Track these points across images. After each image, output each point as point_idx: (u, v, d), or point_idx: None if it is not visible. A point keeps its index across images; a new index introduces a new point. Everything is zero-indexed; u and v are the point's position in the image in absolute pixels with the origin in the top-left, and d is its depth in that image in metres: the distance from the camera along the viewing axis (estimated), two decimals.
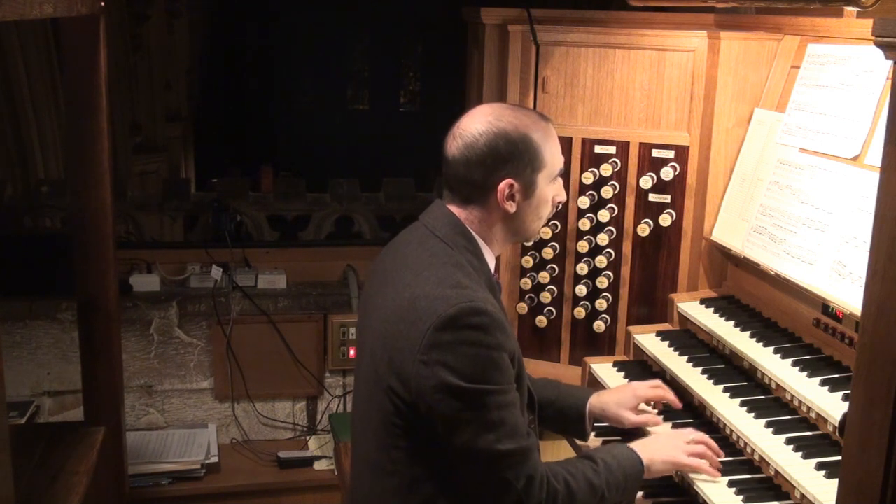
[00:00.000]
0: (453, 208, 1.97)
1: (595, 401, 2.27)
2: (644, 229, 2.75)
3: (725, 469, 2.06)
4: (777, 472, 1.95)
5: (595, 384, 2.63)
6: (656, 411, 2.31)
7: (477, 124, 1.91)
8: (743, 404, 2.18)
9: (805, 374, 2.12)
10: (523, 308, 2.94)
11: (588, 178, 2.79)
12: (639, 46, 2.71)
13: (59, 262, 3.69)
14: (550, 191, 1.99)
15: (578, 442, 2.36)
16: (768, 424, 2.07)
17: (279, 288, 4.00)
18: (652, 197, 2.75)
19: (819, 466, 1.89)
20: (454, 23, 3.82)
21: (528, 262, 2.90)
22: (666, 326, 2.72)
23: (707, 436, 2.12)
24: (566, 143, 2.75)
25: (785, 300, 2.42)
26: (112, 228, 2.93)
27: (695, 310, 2.62)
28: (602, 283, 2.81)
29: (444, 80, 12.22)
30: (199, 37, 13.32)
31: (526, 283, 2.92)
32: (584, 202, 2.80)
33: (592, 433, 2.31)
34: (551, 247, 2.87)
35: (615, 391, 2.34)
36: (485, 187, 1.92)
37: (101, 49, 2.76)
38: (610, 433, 2.32)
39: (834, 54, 2.42)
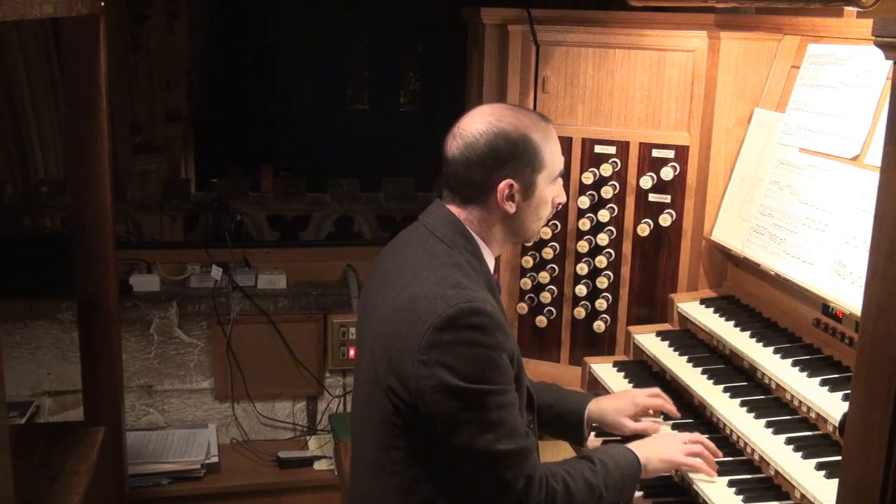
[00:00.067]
0: (453, 208, 1.97)
1: (594, 407, 2.27)
2: (644, 229, 2.75)
3: (725, 469, 2.06)
4: (777, 472, 1.95)
5: (595, 384, 2.63)
6: (660, 417, 2.31)
7: (477, 124, 1.91)
8: (743, 404, 2.18)
9: (805, 374, 2.12)
10: (523, 308, 2.94)
11: (588, 178, 2.79)
12: (639, 46, 2.71)
13: (59, 262, 3.69)
14: (550, 192, 2.00)
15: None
16: (768, 424, 2.07)
17: (279, 288, 4.00)
18: (652, 197, 2.75)
19: (819, 466, 1.89)
20: (454, 23, 3.82)
21: (528, 262, 2.90)
22: (666, 326, 2.72)
23: (704, 436, 2.12)
24: (566, 143, 2.75)
25: (785, 300, 2.42)
26: (112, 228, 2.93)
27: (695, 310, 2.62)
28: (602, 283, 2.81)
29: (444, 80, 12.23)
30: (199, 37, 13.32)
31: (526, 283, 2.92)
32: (584, 202, 2.80)
33: (592, 433, 2.31)
34: (551, 247, 2.87)
35: (614, 398, 2.34)
36: (485, 187, 1.92)
37: (101, 49, 2.76)
38: (609, 434, 2.32)
39: (834, 54, 2.42)
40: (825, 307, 2.23)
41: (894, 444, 1.21)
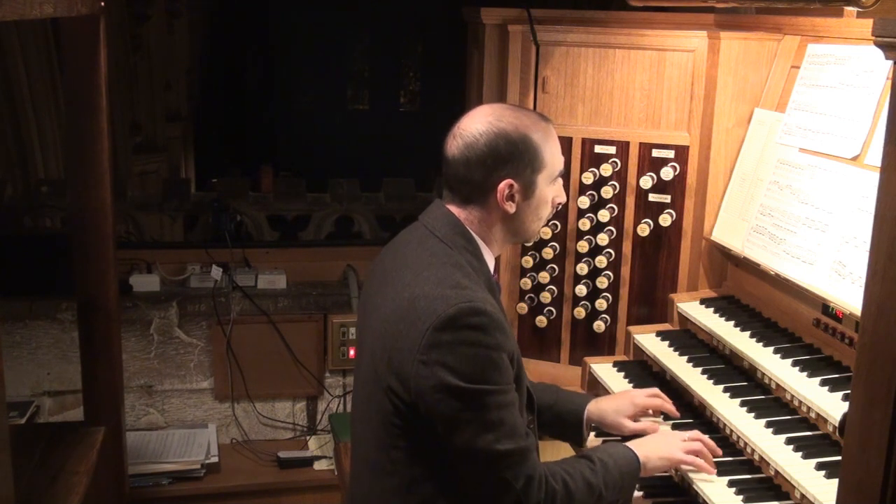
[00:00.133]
0: (453, 208, 1.97)
1: (593, 407, 2.27)
2: (644, 229, 2.75)
3: (725, 469, 2.06)
4: (777, 472, 1.95)
5: (595, 384, 2.63)
6: (660, 417, 2.31)
7: (477, 124, 1.92)
8: (743, 404, 2.18)
9: (805, 374, 2.12)
10: (523, 308, 2.94)
11: (588, 178, 2.79)
12: (639, 46, 2.71)
13: (59, 262, 3.69)
14: (550, 192, 2.00)
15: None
16: (768, 424, 2.07)
17: (279, 288, 4.00)
18: (652, 197, 2.75)
19: (819, 466, 1.89)
20: (454, 23, 3.82)
21: (528, 262, 2.90)
22: (666, 326, 2.72)
23: (703, 434, 2.12)
24: (566, 143, 2.75)
25: (785, 300, 2.42)
26: (112, 228, 2.93)
27: (695, 310, 2.62)
28: (602, 283, 2.81)
29: (444, 80, 12.23)
30: (199, 37, 13.31)
31: (526, 283, 2.92)
32: (584, 202, 2.80)
33: (592, 433, 2.31)
34: (551, 247, 2.87)
35: (613, 398, 2.34)
36: (485, 187, 1.92)
37: (101, 49, 2.76)
38: (609, 434, 2.32)
39: (834, 54, 2.42)
40: (825, 307, 2.23)
41: (894, 444, 1.21)
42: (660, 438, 2.14)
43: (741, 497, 1.95)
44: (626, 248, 2.80)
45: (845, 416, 1.35)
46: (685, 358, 2.47)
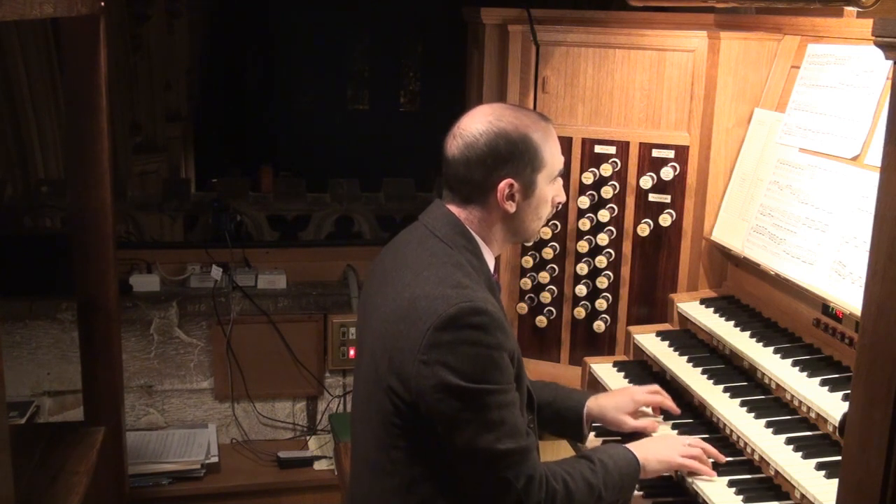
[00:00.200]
0: (453, 208, 1.97)
1: (593, 404, 2.27)
2: (644, 229, 2.75)
3: (725, 469, 2.06)
4: (777, 472, 1.95)
5: (595, 384, 2.63)
6: (659, 417, 2.31)
7: (477, 124, 1.92)
8: (743, 404, 2.18)
9: (805, 374, 2.12)
10: (523, 308, 2.94)
11: (588, 178, 2.79)
12: (639, 46, 2.71)
13: (59, 262, 3.69)
14: (550, 191, 2.00)
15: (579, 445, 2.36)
16: (768, 424, 2.07)
17: (279, 288, 4.00)
18: (652, 197, 2.75)
19: (819, 466, 1.89)
20: (454, 23, 3.82)
21: (528, 262, 2.90)
22: (666, 326, 2.72)
23: (704, 442, 2.12)
24: (566, 143, 2.75)
25: (785, 300, 2.42)
26: (112, 228, 2.93)
27: (695, 310, 2.62)
28: (602, 283, 2.81)
29: (444, 80, 12.22)
30: (199, 37, 13.31)
31: (526, 283, 2.92)
32: (584, 202, 2.80)
33: (592, 433, 2.31)
34: (551, 247, 2.87)
35: (613, 395, 2.34)
36: (485, 187, 1.92)
37: (101, 49, 2.76)
38: (609, 434, 2.32)
39: (834, 54, 2.42)
40: (825, 307, 2.23)
41: (894, 444, 1.21)
42: (660, 441, 2.14)
43: (741, 497, 1.95)
44: (626, 248, 2.80)
45: (845, 416, 1.35)
46: (685, 358, 2.47)
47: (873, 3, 1.23)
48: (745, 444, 2.08)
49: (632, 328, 2.73)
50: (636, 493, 2.10)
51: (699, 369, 2.39)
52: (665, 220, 2.72)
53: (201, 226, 6.60)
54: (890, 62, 1.22)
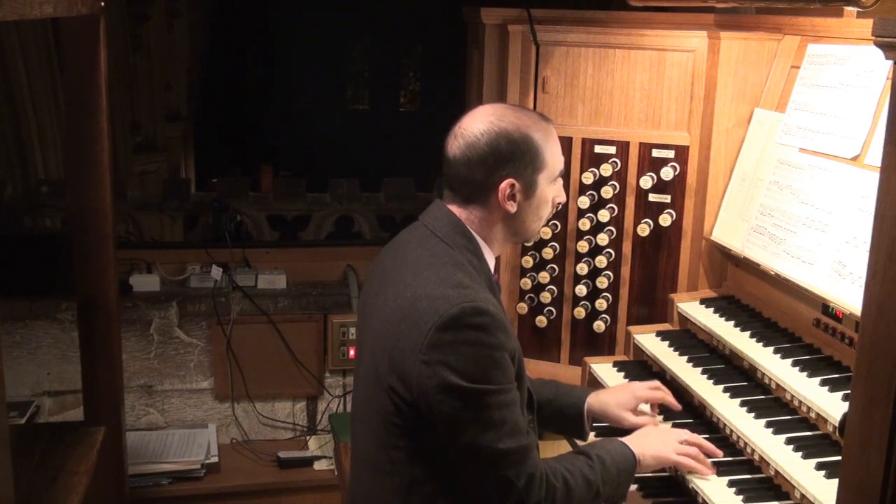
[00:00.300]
0: (454, 208, 1.97)
1: (594, 400, 2.27)
2: (644, 229, 2.75)
3: (725, 469, 2.06)
4: (777, 472, 1.95)
5: (595, 384, 2.63)
6: (658, 415, 2.31)
7: (478, 124, 1.92)
8: (743, 404, 2.18)
9: (805, 374, 2.12)
10: (523, 308, 2.94)
11: (588, 178, 2.79)
12: (639, 46, 2.71)
13: (59, 262, 3.69)
14: (551, 191, 2.00)
15: (578, 441, 2.36)
16: (768, 424, 2.07)
17: (279, 288, 4.00)
18: (652, 197, 2.75)
19: (819, 466, 1.89)
20: (454, 23, 3.82)
21: (528, 262, 2.90)
22: (666, 326, 2.72)
23: (701, 437, 2.12)
24: (566, 143, 2.75)
25: (785, 300, 2.42)
26: (112, 228, 2.93)
27: (695, 310, 2.62)
28: (602, 283, 2.81)
29: (444, 80, 12.23)
30: (199, 37, 13.31)
31: (526, 283, 2.92)
32: (584, 202, 2.80)
33: (592, 433, 2.31)
34: (551, 247, 2.87)
35: (614, 391, 2.34)
36: (486, 187, 1.92)
37: (101, 49, 2.76)
38: (609, 432, 2.32)
39: (834, 54, 2.42)
40: (825, 307, 2.23)
41: (894, 444, 1.21)
42: (656, 437, 2.14)
43: (741, 497, 1.95)
44: (626, 248, 2.80)
45: (845, 416, 1.35)
46: (685, 358, 2.47)
47: (873, 3, 1.23)
48: (745, 444, 2.08)
49: (632, 328, 2.73)
50: (636, 492, 2.10)
51: (699, 369, 2.39)
52: (665, 220, 2.72)
53: (201, 226, 6.59)
54: (890, 62, 1.22)
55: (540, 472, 1.84)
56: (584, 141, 2.81)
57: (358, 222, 7.07)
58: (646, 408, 2.31)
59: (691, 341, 2.59)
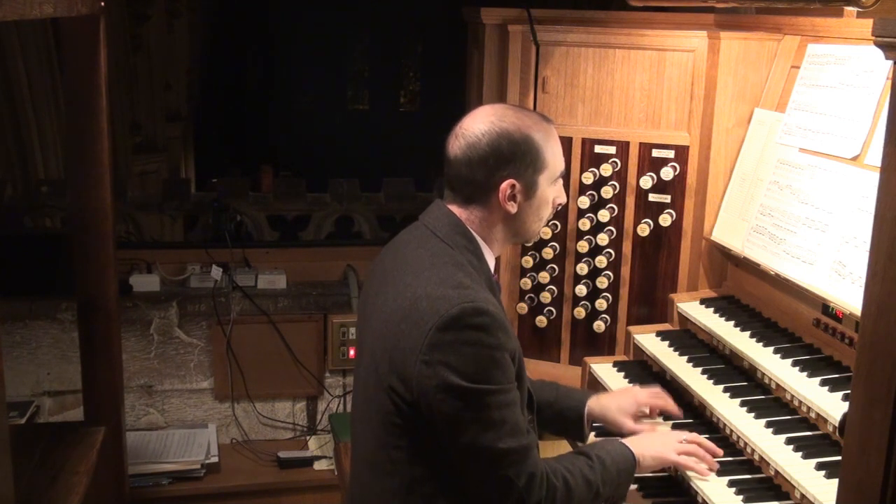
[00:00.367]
0: (454, 208, 1.97)
1: (595, 404, 2.27)
2: (644, 229, 2.75)
3: (725, 469, 2.06)
4: (777, 472, 1.95)
5: (595, 384, 2.63)
6: (659, 419, 2.31)
7: (479, 124, 1.92)
8: (743, 404, 2.18)
9: (805, 374, 2.12)
10: (523, 308, 2.94)
11: (588, 178, 2.79)
12: (639, 46, 2.71)
13: (59, 262, 3.69)
14: (551, 192, 2.00)
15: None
16: (768, 424, 2.07)
17: (279, 288, 4.00)
18: (652, 197, 2.75)
19: (819, 466, 1.89)
20: (454, 23, 3.82)
21: (528, 262, 2.90)
22: (666, 326, 2.72)
23: (701, 437, 2.12)
24: (566, 143, 2.75)
25: (785, 300, 2.42)
26: (112, 228, 2.93)
27: (695, 310, 2.62)
28: (602, 283, 2.81)
29: (444, 80, 12.21)
30: (199, 37, 13.30)
31: (526, 283, 2.92)
32: (584, 202, 2.80)
33: (592, 433, 2.31)
34: (551, 247, 2.87)
35: (616, 395, 2.34)
36: (486, 187, 1.92)
37: (101, 49, 2.76)
38: (609, 433, 2.32)
39: (834, 54, 2.42)
40: (825, 307, 2.23)
41: (894, 444, 1.20)
42: (656, 437, 2.14)
43: (741, 497, 1.95)
44: (626, 248, 2.80)
45: (845, 416, 1.35)
46: (685, 358, 2.47)
47: (873, 3, 1.23)
48: (745, 444, 2.08)
49: (632, 328, 2.73)
50: (636, 492, 2.10)
51: (699, 369, 2.39)
52: (665, 220, 2.72)
53: (201, 226, 6.59)
54: (890, 62, 1.22)
55: (540, 471, 1.84)
56: (584, 141, 2.81)
57: (358, 222, 7.07)
58: (645, 410, 2.31)
59: (691, 341, 2.59)
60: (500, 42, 2.93)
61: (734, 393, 2.24)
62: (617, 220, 2.80)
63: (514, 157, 1.90)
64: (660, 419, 2.30)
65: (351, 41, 16.20)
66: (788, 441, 1.99)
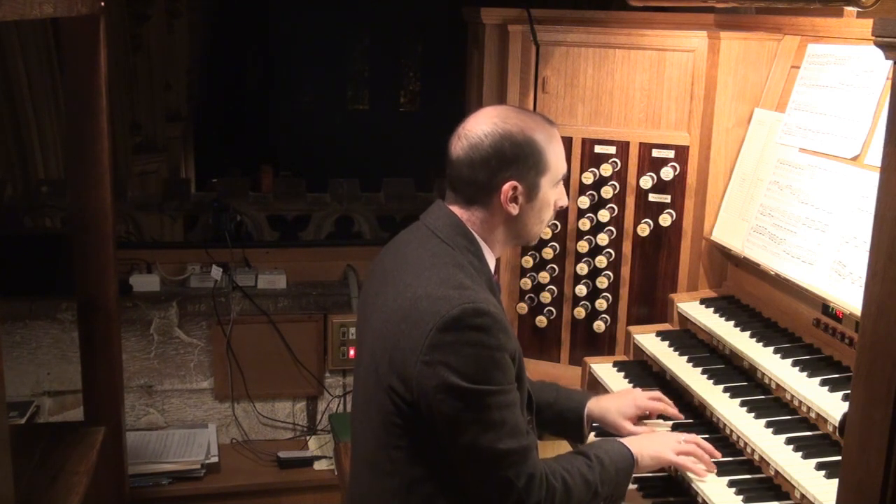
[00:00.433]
0: (455, 209, 1.97)
1: (594, 405, 2.27)
2: (644, 229, 2.75)
3: (725, 469, 2.06)
4: (777, 472, 1.95)
5: (595, 384, 2.63)
6: (659, 420, 2.31)
7: (482, 125, 1.92)
8: (743, 404, 2.18)
9: (805, 374, 2.12)
10: (523, 308, 2.94)
11: (588, 178, 2.79)
12: (639, 46, 2.71)
13: (59, 262, 3.69)
14: (553, 195, 2.00)
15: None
16: (768, 424, 2.07)
17: (279, 288, 4.00)
18: (652, 197, 2.75)
19: (819, 466, 1.89)
20: (454, 23, 3.82)
21: (528, 262, 2.90)
22: (666, 326, 2.72)
23: (700, 438, 2.12)
24: (566, 143, 2.74)
25: (785, 300, 2.42)
26: (112, 228, 2.93)
27: (695, 310, 2.62)
28: (602, 283, 2.81)
29: (444, 80, 12.23)
30: (199, 37, 13.30)
31: (526, 283, 2.92)
32: (584, 202, 2.80)
33: (592, 434, 2.31)
34: (551, 247, 2.87)
35: (616, 397, 2.34)
36: (488, 189, 1.92)
37: (101, 49, 2.76)
38: (608, 436, 2.32)
39: (834, 54, 2.42)
40: (825, 307, 2.23)
41: (894, 444, 1.20)
42: (655, 437, 2.15)
43: (741, 497, 1.95)
44: (626, 248, 2.80)
45: (845, 416, 1.35)
46: (685, 358, 2.47)
47: (873, 3, 1.23)
48: (745, 444, 2.08)
49: (632, 328, 2.73)
50: (636, 492, 2.10)
51: (699, 369, 2.39)
52: (665, 220, 2.72)
53: (201, 226, 6.59)
54: (890, 62, 1.22)
55: (539, 472, 1.84)
56: (584, 141, 2.81)
57: (358, 222, 7.07)
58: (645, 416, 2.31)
59: (691, 341, 2.59)
60: (500, 42, 2.93)
61: (734, 393, 2.24)
62: (617, 220, 2.79)
63: (517, 158, 1.90)
64: (659, 420, 2.30)
65: (351, 41, 16.21)
66: (788, 441, 1.99)
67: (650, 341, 2.62)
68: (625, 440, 2.09)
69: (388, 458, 1.89)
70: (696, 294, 2.72)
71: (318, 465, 3.83)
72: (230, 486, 3.70)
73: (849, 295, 2.11)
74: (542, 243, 2.87)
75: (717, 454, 2.08)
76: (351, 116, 16.51)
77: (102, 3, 2.72)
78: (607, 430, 2.28)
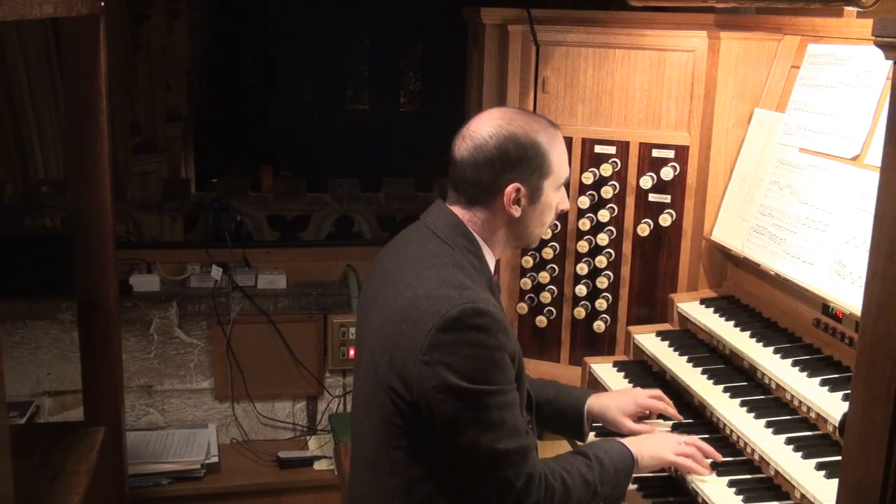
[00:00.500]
0: (457, 210, 1.97)
1: (594, 402, 2.27)
2: (644, 229, 2.75)
3: (725, 469, 2.06)
4: (777, 472, 1.95)
5: (595, 384, 2.63)
6: (659, 420, 2.31)
7: (487, 127, 1.92)
8: (743, 404, 2.18)
9: (805, 374, 2.12)
10: (523, 308, 2.94)
11: (588, 178, 2.79)
12: (639, 46, 2.71)
13: (59, 262, 3.69)
14: (555, 198, 2.00)
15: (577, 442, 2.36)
16: (768, 424, 2.07)
17: (279, 288, 4.00)
18: (652, 197, 2.75)
19: (819, 466, 1.89)
20: (454, 23, 3.82)
21: (528, 262, 2.90)
22: (666, 326, 2.72)
23: (701, 441, 2.12)
24: (566, 143, 2.72)
25: (785, 300, 2.42)
26: (112, 228, 2.93)
27: (695, 310, 2.62)
28: (602, 283, 2.81)
29: (444, 80, 12.22)
30: (199, 37, 13.30)
31: (526, 283, 2.92)
32: (584, 202, 2.80)
33: (592, 433, 2.31)
34: (551, 247, 2.87)
35: (616, 395, 2.34)
36: (491, 190, 1.93)
37: (101, 49, 2.76)
38: (608, 433, 2.32)
39: (834, 54, 2.42)
40: (825, 307, 2.23)
41: (894, 444, 1.21)
42: (655, 438, 2.15)
43: (741, 497, 1.95)
44: (626, 248, 2.80)
45: (845, 416, 1.35)
46: (685, 358, 2.47)
47: (873, 3, 1.23)
48: (745, 444, 2.08)
49: (632, 328, 2.73)
50: (636, 492, 2.10)
51: (699, 369, 2.39)
52: (665, 220, 2.72)
53: (201, 226, 6.59)
54: (890, 62, 1.22)
55: (538, 472, 1.84)
56: (584, 141, 2.81)
57: (358, 222, 7.07)
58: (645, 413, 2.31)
59: (691, 341, 2.59)
60: (500, 42, 2.93)
61: (734, 393, 2.24)
62: (617, 220, 2.80)
63: (521, 160, 1.90)
64: (659, 420, 2.30)
65: (351, 41, 16.21)
66: (788, 441, 1.99)
67: (650, 341, 2.62)
68: (625, 440, 2.09)
69: (388, 457, 1.89)
70: (696, 294, 2.72)
71: (318, 465, 3.83)
72: (230, 486, 3.70)
73: (849, 295, 2.11)
74: (543, 243, 2.87)
75: (718, 456, 2.08)
76: (351, 116, 16.52)
77: (102, 3, 2.72)
78: (607, 428, 2.28)
